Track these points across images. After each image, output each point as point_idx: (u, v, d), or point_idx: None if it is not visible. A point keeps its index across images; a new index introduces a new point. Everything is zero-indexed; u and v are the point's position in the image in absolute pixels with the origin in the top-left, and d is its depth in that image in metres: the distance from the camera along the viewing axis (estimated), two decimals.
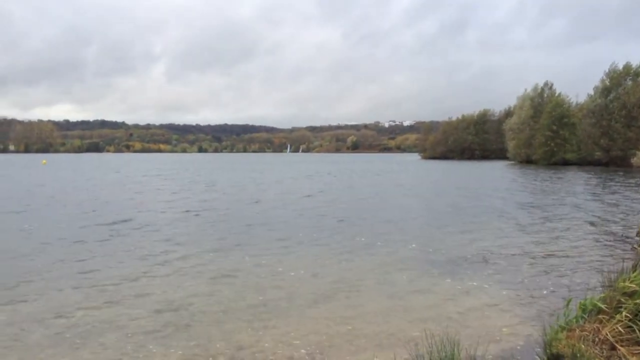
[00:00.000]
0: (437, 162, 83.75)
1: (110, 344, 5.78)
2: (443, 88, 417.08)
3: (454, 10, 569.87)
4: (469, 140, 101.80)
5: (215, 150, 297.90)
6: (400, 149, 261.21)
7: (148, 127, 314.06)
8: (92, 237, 12.60)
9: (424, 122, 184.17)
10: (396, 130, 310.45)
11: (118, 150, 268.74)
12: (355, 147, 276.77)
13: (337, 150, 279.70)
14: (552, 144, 65.59)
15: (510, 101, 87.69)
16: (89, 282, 8.38)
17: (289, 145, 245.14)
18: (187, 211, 17.94)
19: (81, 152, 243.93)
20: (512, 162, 76.74)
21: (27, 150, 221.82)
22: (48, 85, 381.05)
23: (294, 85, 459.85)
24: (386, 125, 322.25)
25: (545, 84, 75.04)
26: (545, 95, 73.91)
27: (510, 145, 76.78)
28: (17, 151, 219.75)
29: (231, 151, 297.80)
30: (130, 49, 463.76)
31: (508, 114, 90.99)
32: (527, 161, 71.44)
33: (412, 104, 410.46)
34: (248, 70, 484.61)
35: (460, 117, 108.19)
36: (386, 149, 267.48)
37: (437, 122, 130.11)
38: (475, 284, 8.45)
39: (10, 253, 10.77)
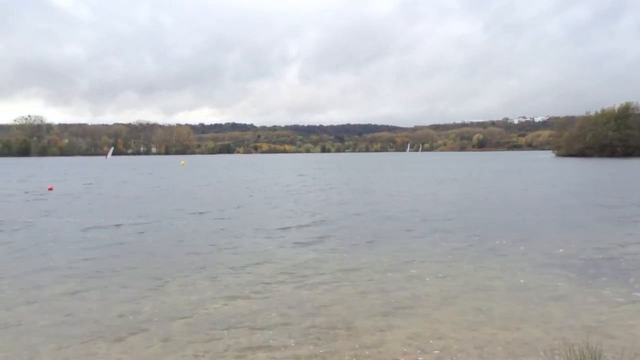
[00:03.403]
0: (575, 160, 77.89)
1: (240, 337, 6.07)
2: (587, 79, 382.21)
3: None
4: (610, 136, 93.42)
5: (338, 150, 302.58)
6: (531, 146, 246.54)
7: (274, 128, 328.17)
8: (235, 240, 13.34)
9: (558, 118, 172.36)
10: (526, 126, 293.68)
11: (247, 152, 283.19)
12: (481, 146, 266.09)
13: (462, 148, 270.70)
14: None
15: None
16: (224, 279, 8.92)
17: (408, 145, 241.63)
18: (328, 212, 18.34)
19: (214, 153, 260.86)
20: None
21: (166, 152, 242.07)
22: (191, 91, 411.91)
23: (425, 83, 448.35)
24: (515, 121, 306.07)
25: None
26: None
27: None
28: (158, 153, 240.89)
29: (353, 151, 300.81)
30: (267, 53, 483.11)
31: None
32: None
33: (548, 98, 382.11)
34: (380, 68, 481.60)
35: (599, 111, 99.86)
36: (515, 147, 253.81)
37: (573, 118, 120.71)
38: (620, 291, 7.74)
39: (158, 249, 11.79)
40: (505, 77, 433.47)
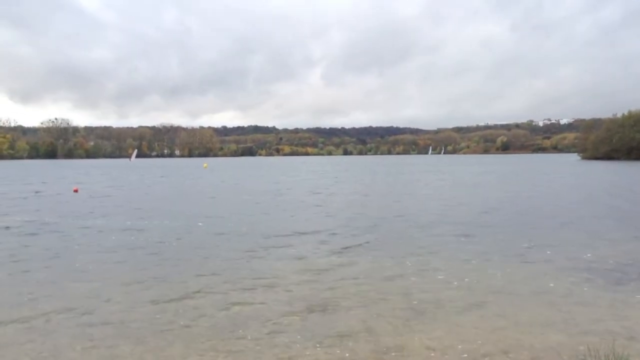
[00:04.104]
0: (602, 163, 76.49)
1: (261, 339, 6.09)
2: (617, 81, 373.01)
3: None
4: (637, 138, 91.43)
5: (360, 153, 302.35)
6: (556, 149, 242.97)
7: (296, 131, 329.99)
8: (259, 243, 13.39)
9: (584, 120, 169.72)
10: (552, 129, 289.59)
11: (269, 154, 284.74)
12: (505, 148, 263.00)
13: (485, 151, 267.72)
14: None
15: None
16: (247, 281, 8.95)
17: (430, 148, 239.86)
18: (354, 215, 18.34)
19: (236, 155, 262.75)
20: None
21: (190, 154, 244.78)
22: (215, 94, 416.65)
23: (450, 85, 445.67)
24: (540, 123, 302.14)
25: None
26: None
27: None
28: (181, 155, 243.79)
29: (375, 153, 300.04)
30: (291, 55, 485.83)
31: None
32: None
33: (575, 100, 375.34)
34: (404, 70, 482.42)
35: (626, 113, 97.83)
36: (540, 149, 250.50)
37: (599, 120, 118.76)
38: None
39: (183, 251, 11.91)
40: (532, 78, 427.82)
